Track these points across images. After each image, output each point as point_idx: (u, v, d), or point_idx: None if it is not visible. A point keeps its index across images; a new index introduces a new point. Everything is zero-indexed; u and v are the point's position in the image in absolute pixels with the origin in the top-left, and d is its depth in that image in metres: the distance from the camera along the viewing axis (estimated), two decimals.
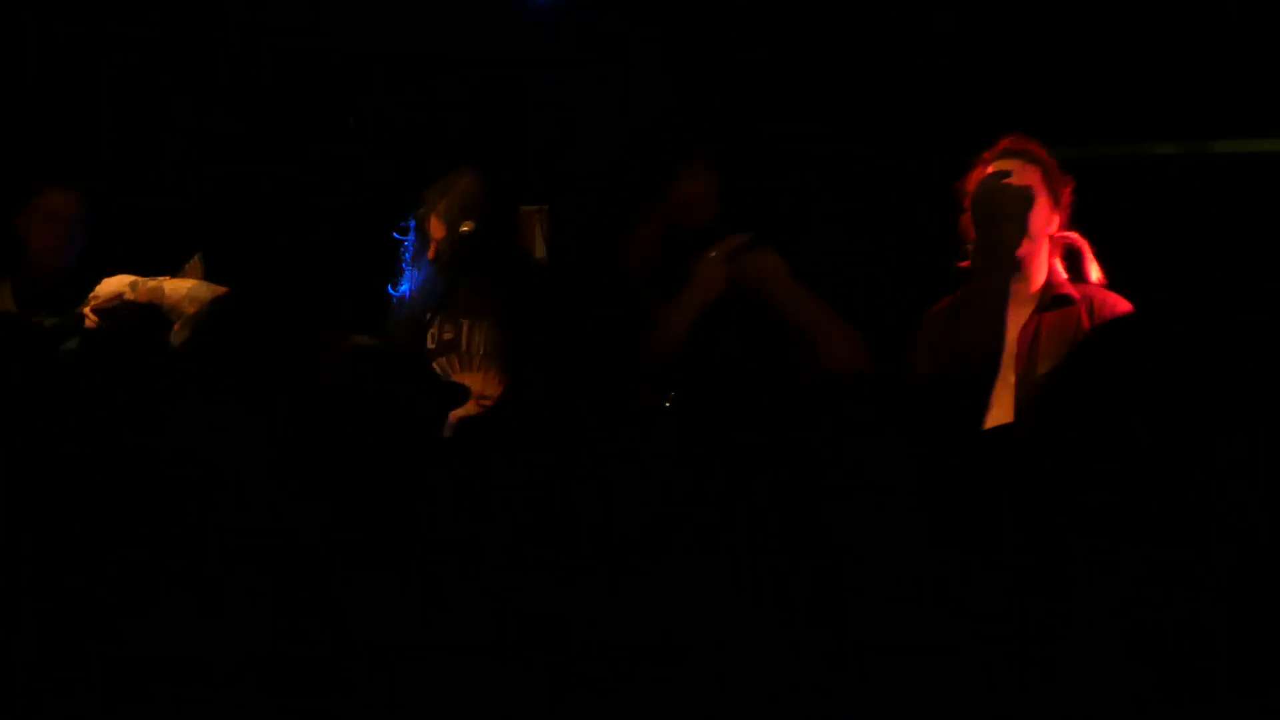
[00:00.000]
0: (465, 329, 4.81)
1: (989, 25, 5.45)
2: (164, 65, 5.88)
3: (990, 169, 4.22)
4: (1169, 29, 5.28)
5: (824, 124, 5.64)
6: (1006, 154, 4.24)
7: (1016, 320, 4.22)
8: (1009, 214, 4.14)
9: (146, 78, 5.87)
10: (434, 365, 4.72)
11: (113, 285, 4.10)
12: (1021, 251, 4.19)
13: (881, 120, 5.60)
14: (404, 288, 4.90)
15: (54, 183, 5.05)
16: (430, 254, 4.80)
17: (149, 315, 4.18)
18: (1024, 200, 4.17)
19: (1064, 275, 4.21)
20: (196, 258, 4.28)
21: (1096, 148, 4.44)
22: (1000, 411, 4.06)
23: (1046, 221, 4.21)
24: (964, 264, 4.19)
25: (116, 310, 4.05)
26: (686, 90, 5.75)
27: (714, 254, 4.17)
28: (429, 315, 4.80)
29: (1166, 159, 5.38)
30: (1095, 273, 4.21)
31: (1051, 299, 4.18)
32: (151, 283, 4.10)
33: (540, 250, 5.33)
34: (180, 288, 4.07)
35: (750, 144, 5.09)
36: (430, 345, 4.79)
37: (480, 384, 4.67)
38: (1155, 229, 5.06)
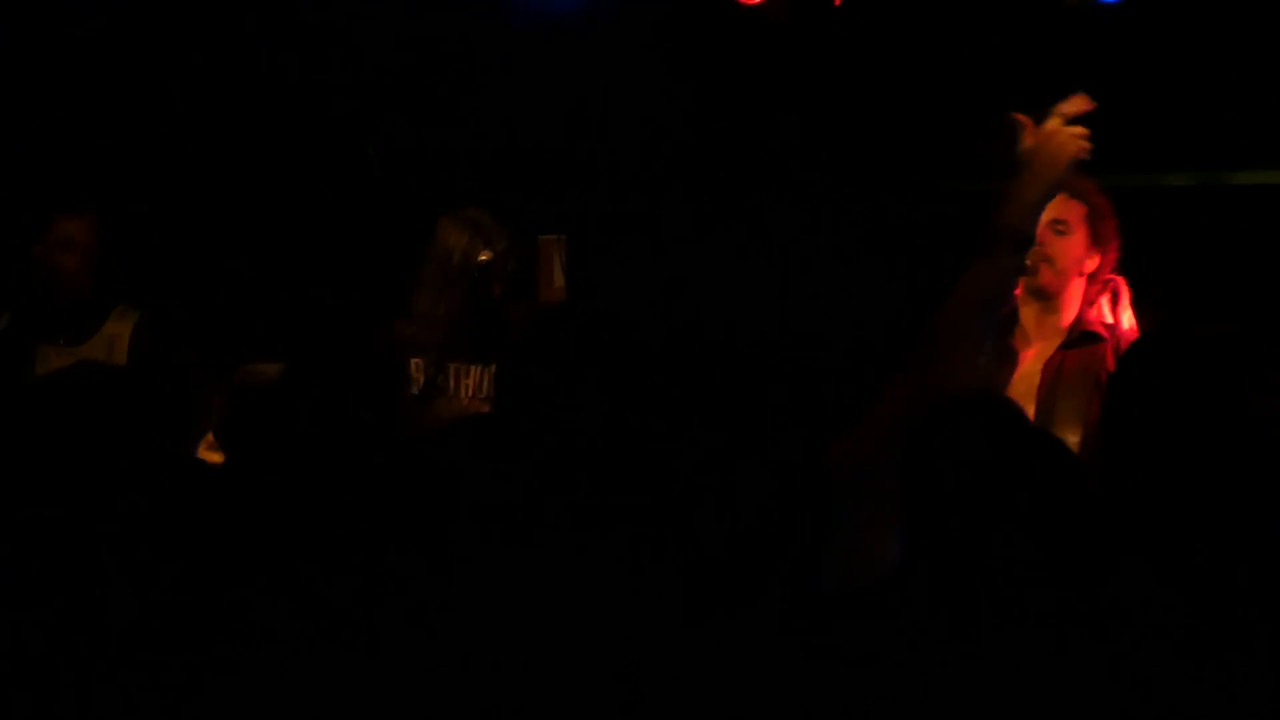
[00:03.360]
0: (453, 372, 4.76)
1: (1006, 54, 5.48)
2: (178, 88, 5.91)
3: None
4: (1184, 61, 5.29)
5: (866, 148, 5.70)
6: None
7: (1043, 354, 4.22)
8: (1040, 246, 4.16)
9: (158, 101, 5.91)
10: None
11: None
12: (1051, 285, 4.19)
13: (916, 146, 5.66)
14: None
15: (70, 210, 5.06)
16: (439, 287, 4.76)
17: None
18: (1057, 235, 4.17)
19: (1099, 314, 4.20)
20: None
21: (1111, 178, 4.44)
22: None
23: (1080, 258, 4.20)
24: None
25: None
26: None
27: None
28: (425, 357, 4.75)
29: (1182, 190, 5.38)
30: (1127, 318, 4.21)
31: (1079, 335, 4.18)
32: None
33: (559, 280, 5.32)
34: None
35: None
36: (417, 387, 4.73)
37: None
38: (1171, 260, 5.06)
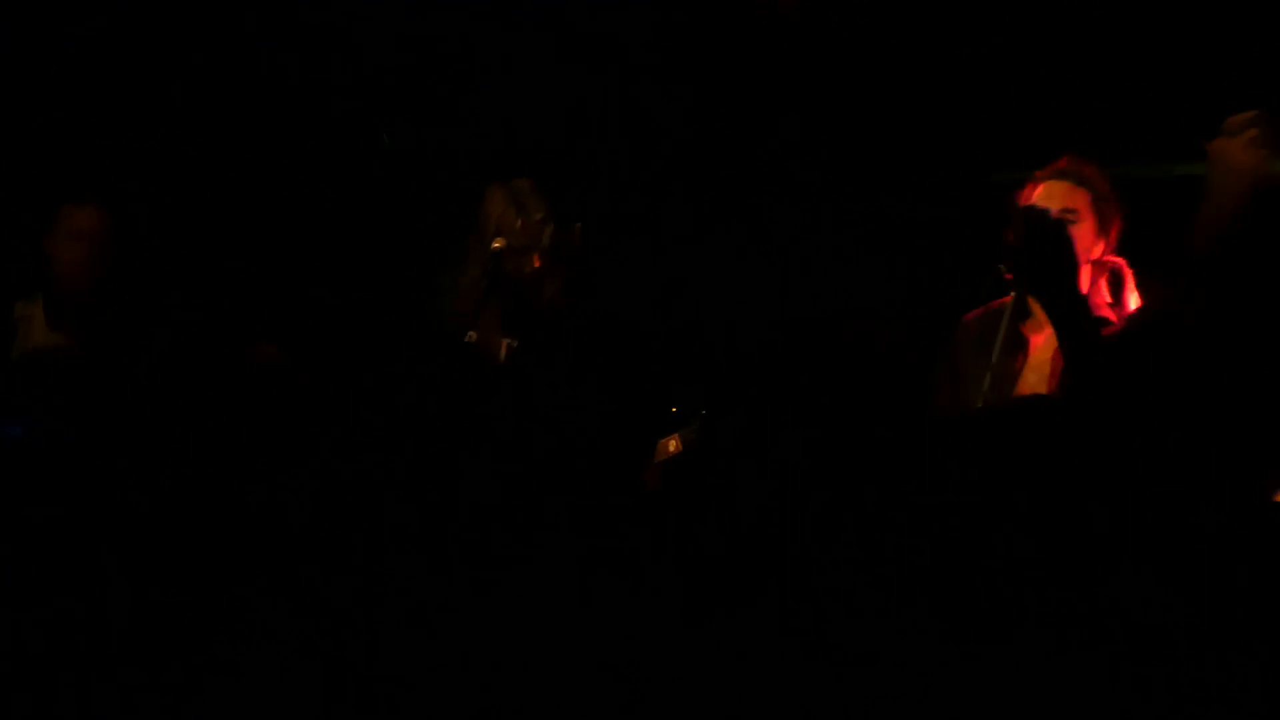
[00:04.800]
0: (504, 346, 4.77)
1: (1024, 44, 5.48)
2: (186, 80, 5.92)
3: (1040, 189, 4.23)
4: (1196, 50, 5.28)
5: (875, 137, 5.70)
6: (1058, 175, 4.24)
7: (1053, 340, 4.21)
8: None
9: (168, 94, 5.92)
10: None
11: None
12: None
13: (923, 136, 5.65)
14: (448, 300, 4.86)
15: (79, 202, 5.09)
16: (475, 269, 4.77)
17: None
18: (1066, 223, 4.17)
19: (1106, 299, 4.21)
20: None
21: (1122, 168, 4.43)
22: None
23: (1089, 246, 4.20)
24: (1009, 274, 4.19)
25: None
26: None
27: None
28: (468, 332, 4.76)
29: (1192, 179, 5.37)
30: (1134, 301, 4.21)
31: None
32: None
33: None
34: None
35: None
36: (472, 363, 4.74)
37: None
38: (1180, 249, 5.05)
